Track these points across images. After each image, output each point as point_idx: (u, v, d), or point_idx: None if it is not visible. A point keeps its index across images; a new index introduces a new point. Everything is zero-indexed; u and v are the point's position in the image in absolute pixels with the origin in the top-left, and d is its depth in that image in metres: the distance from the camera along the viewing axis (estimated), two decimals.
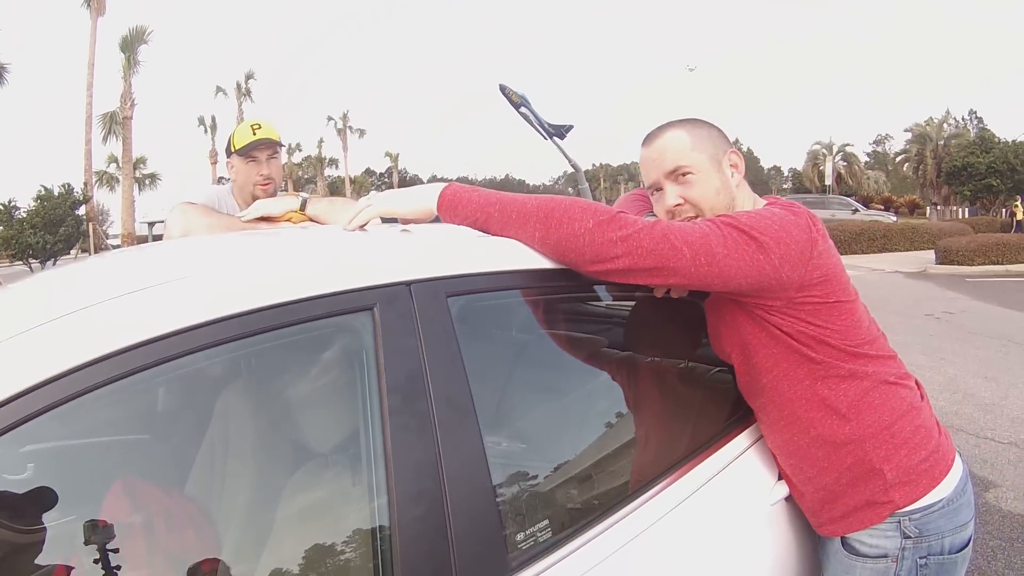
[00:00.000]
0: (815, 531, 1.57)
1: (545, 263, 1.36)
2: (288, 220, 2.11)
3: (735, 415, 1.68)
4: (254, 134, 2.30)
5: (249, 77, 41.55)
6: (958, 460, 1.52)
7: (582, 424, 1.65)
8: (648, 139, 1.56)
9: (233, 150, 2.32)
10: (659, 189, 1.54)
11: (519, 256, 1.35)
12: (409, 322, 1.14)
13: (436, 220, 1.44)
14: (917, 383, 1.57)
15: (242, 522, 1.22)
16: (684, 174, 1.49)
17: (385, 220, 1.51)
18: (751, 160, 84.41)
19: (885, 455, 1.43)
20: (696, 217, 1.47)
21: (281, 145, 2.36)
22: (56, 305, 1.00)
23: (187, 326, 0.98)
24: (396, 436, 1.08)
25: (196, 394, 1.22)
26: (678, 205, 1.50)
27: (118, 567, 1.05)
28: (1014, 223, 27.03)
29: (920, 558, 1.45)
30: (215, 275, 1.09)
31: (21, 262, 21.88)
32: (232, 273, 1.10)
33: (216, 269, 1.11)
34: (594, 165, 77.67)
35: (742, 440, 1.63)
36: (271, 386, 1.22)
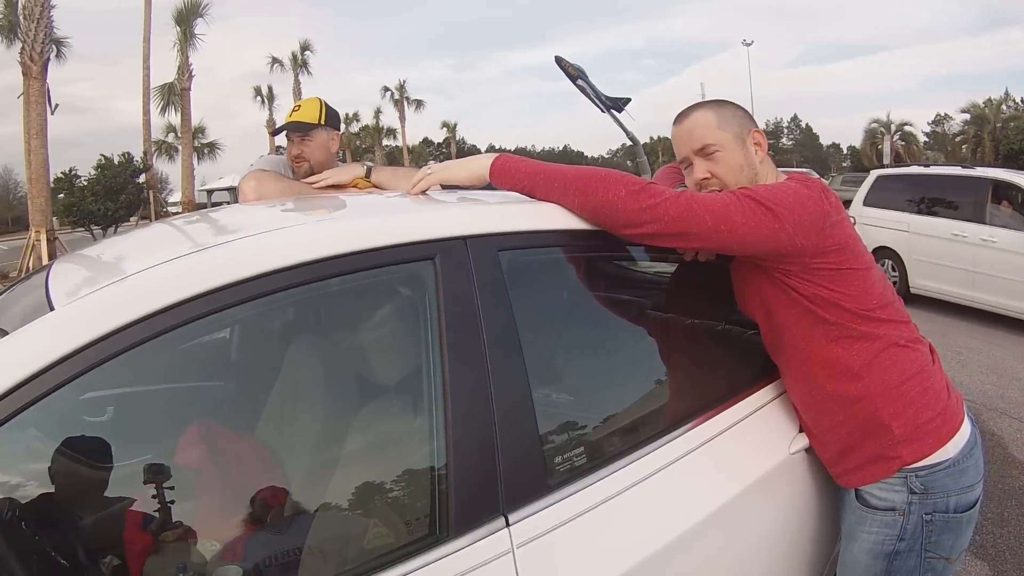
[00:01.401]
0: (834, 482, 1.65)
1: (583, 224, 1.49)
2: (355, 186, 2.20)
3: (762, 371, 1.77)
4: (292, 116, 2.34)
5: (305, 48, 40.60)
6: (967, 424, 1.57)
7: (618, 368, 1.77)
8: (679, 118, 1.66)
9: None
10: (689, 164, 1.64)
11: (561, 218, 1.49)
12: (465, 271, 1.30)
13: (488, 186, 1.58)
14: (931, 348, 1.63)
15: (333, 435, 1.42)
16: (711, 151, 1.59)
17: (445, 187, 1.66)
18: (810, 138, 78.76)
19: (893, 412, 1.51)
20: (721, 190, 1.56)
21: (315, 125, 2.35)
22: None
23: (289, 264, 1.16)
24: (453, 367, 1.24)
25: (293, 323, 1.42)
26: (705, 178, 1.60)
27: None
28: None
29: (926, 514, 1.51)
30: (305, 227, 1.26)
31: (83, 229, 22.21)
32: (319, 225, 1.27)
33: (304, 223, 1.28)
34: (652, 138, 74.93)
35: (766, 393, 1.73)
36: (351, 320, 1.40)
